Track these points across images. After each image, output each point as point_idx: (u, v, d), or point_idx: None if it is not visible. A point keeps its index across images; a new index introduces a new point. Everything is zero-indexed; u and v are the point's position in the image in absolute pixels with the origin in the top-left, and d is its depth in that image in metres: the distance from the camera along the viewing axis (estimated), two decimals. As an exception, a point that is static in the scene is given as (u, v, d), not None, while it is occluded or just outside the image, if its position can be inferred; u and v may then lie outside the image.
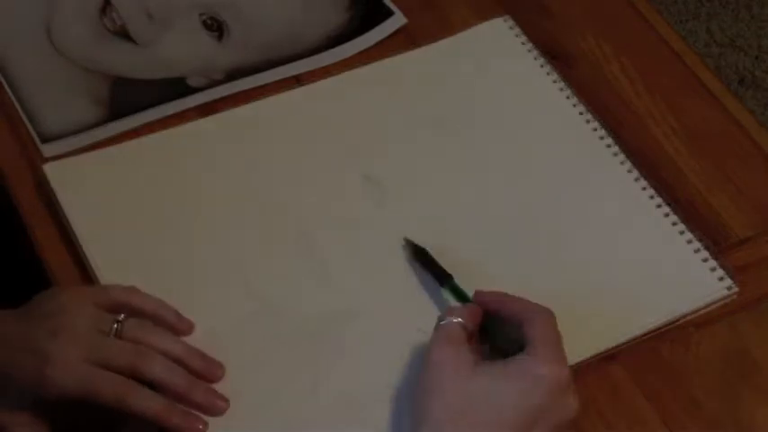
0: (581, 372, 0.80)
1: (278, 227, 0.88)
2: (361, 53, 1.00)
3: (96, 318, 0.77)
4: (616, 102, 0.97)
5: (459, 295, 0.81)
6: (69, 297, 0.78)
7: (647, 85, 0.99)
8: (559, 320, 0.76)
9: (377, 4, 1.04)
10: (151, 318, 0.80)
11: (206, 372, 0.78)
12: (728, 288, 0.85)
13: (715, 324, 0.84)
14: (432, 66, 0.99)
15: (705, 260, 0.86)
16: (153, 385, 0.75)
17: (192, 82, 0.98)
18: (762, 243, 0.89)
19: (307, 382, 0.79)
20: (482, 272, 0.84)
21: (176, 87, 0.97)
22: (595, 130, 0.94)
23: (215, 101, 0.96)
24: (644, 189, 0.90)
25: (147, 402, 0.74)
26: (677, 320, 0.84)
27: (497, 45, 1.01)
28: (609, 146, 0.93)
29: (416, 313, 0.82)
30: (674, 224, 0.88)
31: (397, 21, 1.02)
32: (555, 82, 0.97)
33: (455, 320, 0.76)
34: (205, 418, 0.76)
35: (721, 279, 0.85)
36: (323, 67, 0.99)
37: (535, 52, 0.99)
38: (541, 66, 0.99)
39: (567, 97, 0.96)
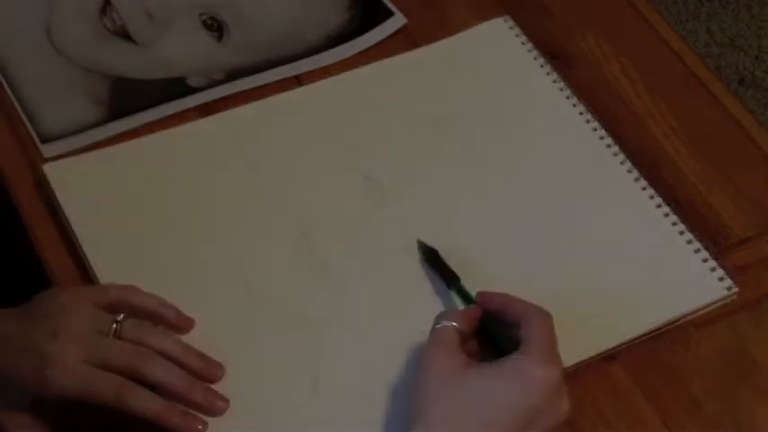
0: (581, 372, 0.80)
1: (278, 227, 0.88)
2: (361, 53, 1.00)
3: (96, 318, 0.77)
4: (616, 102, 0.97)
5: (465, 297, 0.81)
6: (69, 297, 0.78)
7: (647, 85, 0.99)
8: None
9: (377, 4, 1.04)
10: (151, 316, 0.80)
11: (205, 372, 0.78)
12: (728, 288, 0.85)
13: (715, 324, 0.84)
14: (432, 66, 0.99)
15: (705, 260, 0.86)
16: (152, 386, 0.75)
17: (192, 82, 0.98)
18: (762, 243, 0.89)
19: (307, 382, 0.79)
20: (482, 272, 0.84)
21: (176, 87, 0.97)
22: (595, 130, 0.94)
23: (215, 101, 0.96)
24: (644, 189, 0.90)
25: (146, 403, 0.74)
26: (677, 320, 0.84)
27: (497, 45, 1.01)
28: (609, 146, 0.93)
29: (416, 313, 0.81)
30: (674, 224, 0.88)
31: (397, 21, 1.02)
32: (555, 82, 0.97)
33: (449, 324, 0.76)
34: (205, 418, 0.76)
35: (721, 279, 0.85)
36: (323, 67, 0.99)
37: (535, 52, 0.99)
38: (541, 66, 0.99)
39: (567, 97, 0.96)
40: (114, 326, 0.76)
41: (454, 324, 0.76)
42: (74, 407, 0.74)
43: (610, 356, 0.82)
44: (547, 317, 0.75)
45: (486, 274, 0.84)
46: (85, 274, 0.85)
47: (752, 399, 0.81)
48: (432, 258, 0.84)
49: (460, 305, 0.81)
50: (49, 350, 0.74)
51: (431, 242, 0.85)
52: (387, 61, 0.99)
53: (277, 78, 0.98)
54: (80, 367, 0.74)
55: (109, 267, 0.84)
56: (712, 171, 0.93)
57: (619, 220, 0.89)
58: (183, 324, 0.81)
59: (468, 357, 0.75)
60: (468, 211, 0.89)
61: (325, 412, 0.78)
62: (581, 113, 0.95)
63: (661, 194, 0.90)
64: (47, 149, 0.93)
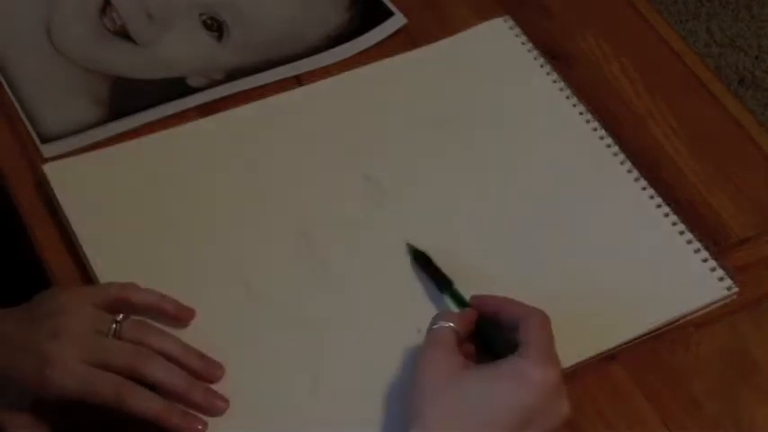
0: (581, 372, 0.80)
1: (278, 227, 0.88)
2: (361, 53, 1.00)
3: (95, 318, 0.77)
4: (616, 102, 0.97)
5: (459, 301, 0.81)
6: (69, 297, 0.78)
7: (647, 85, 0.99)
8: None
9: (377, 4, 1.04)
10: (151, 310, 0.80)
11: (205, 372, 0.78)
12: (728, 288, 0.85)
13: (715, 324, 0.84)
14: (432, 66, 0.99)
15: (705, 260, 0.86)
16: (152, 387, 0.75)
17: (192, 82, 0.98)
18: (762, 243, 0.89)
19: (307, 382, 0.79)
20: (482, 272, 0.84)
21: (176, 87, 0.97)
22: (595, 130, 0.94)
23: (215, 101, 0.96)
24: (644, 189, 0.90)
25: (146, 403, 0.74)
26: (677, 320, 0.84)
27: (497, 45, 1.01)
28: (609, 146, 0.93)
29: (416, 313, 0.81)
30: (674, 224, 0.88)
31: (397, 21, 1.02)
32: (555, 82, 0.97)
33: (446, 324, 0.76)
34: (205, 418, 0.76)
35: (721, 279, 0.85)
36: (323, 67, 0.99)
37: (535, 52, 0.99)
38: (541, 66, 0.99)
39: (567, 97, 0.96)
40: (114, 326, 0.76)
41: (451, 325, 0.76)
42: (74, 407, 0.74)
43: (610, 356, 0.82)
44: (544, 318, 0.75)
45: (485, 273, 0.84)
46: (85, 274, 0.85)
47: (752, 399, 0.81)
48: (423, 262, 0.84)
49: (454, 309, 0.81)
50: (49, 350, 0.74)
51: (430, 242, 0.85)
52: (387, 61, 0.99)
53: (277, 78, 0.98)
54: (80, 367, 0.74)
55: (109, 267, 0.84)
56: (712, 171, 0.93)
57: (619, 220, 0.89)
58: (183, 315, 0.81)
59: (465, 359, 0.75)
60: (468, 210, 0.89)
61: (325, 412, 0.78)
62: (581, 113, 0.95)
63: (661, 194, 0.90)
64: (47, 149, 0.93)
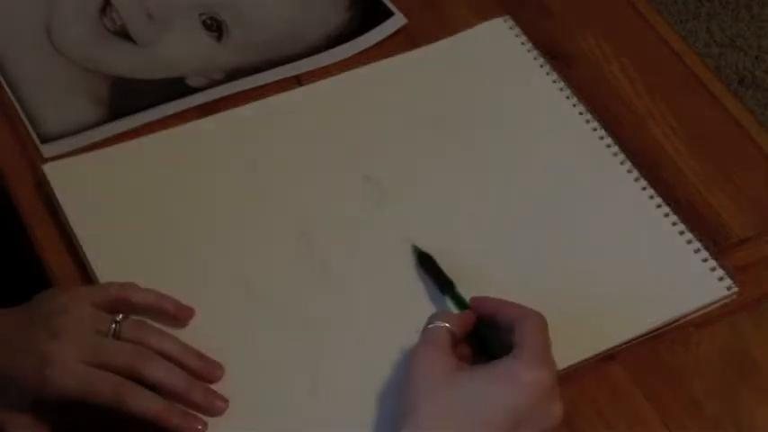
0: (580, 372, 0.80)
1: (278, 227, 0.88)
2: (361, 53, 1.00)
3: (95, 318, 0.77)
4: (616, 102, 0.97)
5: (460, 303, 0.81)
6: (69, 297, 0.78)
7: (647, 85, 0.99)
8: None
9: (377, 4, 1.04)
10: (151, 310, 0.80)
11: (204, 372, 0.78)
12: (728, 288, 0.85)
13: (715, 324, 0.84)
14: (432, 66, 0.99)
15: (705, 260, 0.86)
16: (152, 387, 0.75)
17: (192, 82, 0.98)
18: (762, 243, 0.89)
19: (306, 382, 0.79)
20: (482, 272, 0.84)
21: (176, 87, 0.97)
22: (595, 130, 0.94)
23: (215, 101, 0.96)
24: (644, 189, 0.90)
25: (146, 403, 0.74)
26: (677, 320, 0.84)
27: (497, 45, 1.01)
28: (609, 146, 0.93)
29: (416, 314, 0.81)
30: (674, 224, 0.88)
31: (397, 21, 1.02)
32: (555, 82, 0.97)
33: (442, 324, 0.76)
34: (204, 418, 0.76)
35: (721, 279, 0.85)
36: (323, 67, 0.99)
37: (535, 52, 0.99)
38: (541, 66, 0.99)
39: (567, 97, 0.96)
40: (113, 326, 0.76)
41: (446, 325, 0.76)
42: (73, 407, 0.74)
43: (610, 356, 0.82)
44: (541, 320, 0.75)
45: (485, 273, 0.84)
46: (85, 274, 0.85)
47: (752, 399, 0.81)
48: (426, 264, 0.84)
49: (455, 311, 0.81)
50: (49, 350, 0.74)
51: (430, 242, 0.85)
52: (387, 61, 0.99)
53: (277, 78, 0.98)
54: (80, 367, 0.74)
55: (109, 267, 0.84)
56: (712, 171, 0.93)
57: (619, 220, 0.89)
58: (182, 315, 0.81)
59: (458, 360, 0.74)
60: (468, 210, 0.89)
61: (324, 412, 0.78)
62: (581, 113, 0.95)
63: (661, 194, 0.90)
64: (47, 149, 0.93)
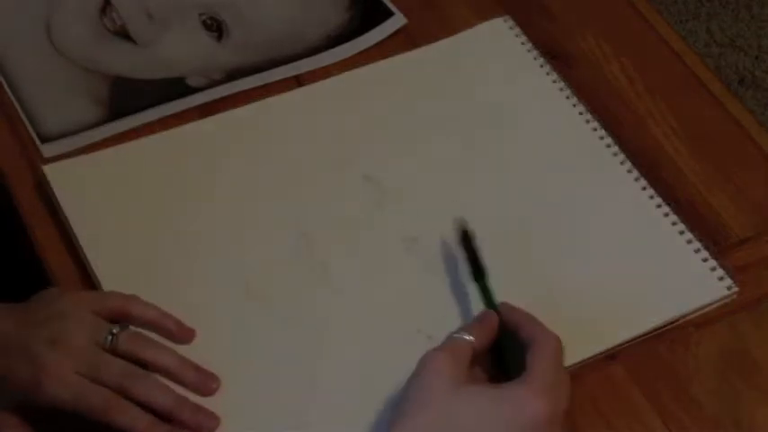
0: (581, 372, 0.80)
1: (278, 227, 0.88)
2: (361, 53, 1.00)
3: (94, 327, 0.77)
4: (616, 102, 0.97)
5: (487, 297, 0.80)
6: (69, 303, 0.78)
7: (647, 85, 0.99)
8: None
9: (377, 4, 1.04)
10: (151, 326, 0.80)
11: (200, 385, 0.78)
12: (728, 288, 0.85)
13: (715, 324, 0.84)
14: (432, 66, 0.99)
15: (705, 260, 0.86)
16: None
17: (192, 82, 0.98)
18: (762, 243, 0.89)
19: (306, 382, 0.79)
20: (482, 272, 0.84)
21: (176, 87, 0.97)
22: (595, 130, 0.94)
23: (215, 101, 0.96)
24: (644, 189, 0.90)
25: (132, 421, 0.74)
26: (677, 320, 0.84)
27: (497, 45, 1.01)
28: (609, 146, 0.93)
29: (416, 314, 0.82)
30: (674, 224, 0.88)
31: (397, 21, 1.02)
32: (555, 82, 0.97)
33: (466, 337, 0.76)
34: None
35: (721, 279, 0.85)
36: (323, 67, 0.99)
37: (535, 52, 0.99)
38: (541, 66, 0.99)
39: (567, 97, 0.96)
40: (110, 337, 0.76)
41: (471, 339, 0.75)
42: (61, 415, 0.74)
43: (610, 356, 0.82)
44: (555, 344, 0.74)
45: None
46: (85, 274, 0.85)
47: (752, 399, 0.81)
48: (467, 243, 0.82)
49: (475, 304, 0.80)
50: (45, 358, 0.74)
51: (431, 242, 0.85)
52: (387, 61, 0.99)
53: (277, 78, 0.98)
54: (74, 379, 0.74)
55: (109, 267, 0.84)
56: (712, 171, 0.93)
57: (619, 220, 0.89)
58: (183, 335, 0.80)
59: (471, 376, 0.74)
60: (468, 211, 0.89)
61: (324, 412, 0.78)
62: (581, 113, 0.95)
63: (661, 194, 0.90)
64: (47, 149, 0.93)
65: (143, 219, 0.88)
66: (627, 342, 0.82)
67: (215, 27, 1.01)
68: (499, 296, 0.80)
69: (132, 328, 0.79)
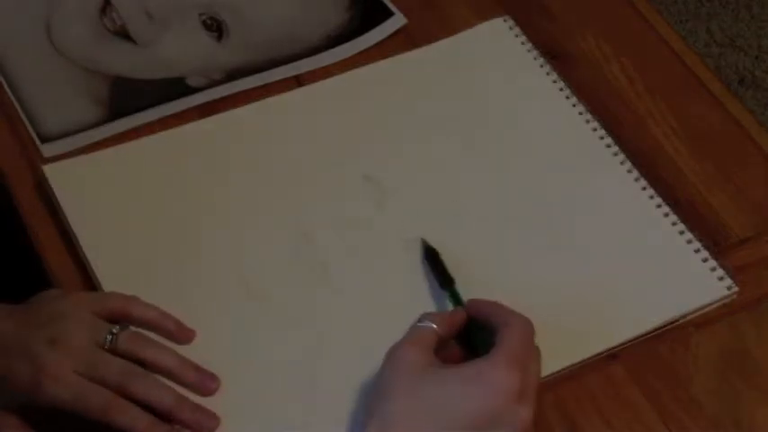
0: (581, 371, 0.80)
1: (278, 227, 0.88)
2: (361, 53, 1.00)
3: (93, 327, 0.77)
4: (616, 102, 0.97)
5: (456, 301, 0.81)
6: (69, 303, 0.78)
7: (647, 85, 0.99)
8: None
9: (377, 4, 1.04)
10: (151, 327, 0.80)
11: (200, 385, 0.78)
12: (728, 288, 0.85)
13: (715, 324, 0.84)
14: (432, 66, 0.99)
15: (705, 260, 0.86)
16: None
17: (192, 82, 0.98)
18: (762, 243, 0.89)
19: (306, 381, 0.79)
20: (482, 271, 0.84)
21: (176, 87, 0.97)
22: (595, 130, 0.94)
23: (215, 101, 0.96)
24: (644, 189, 0.90)
25: (132, 421, 0.74)
26: (677, 320, 0.84)
27: (497, 45, 1.01)
28: (609, 146, 0.93)
29: (416, 313, 0.81)
30: (674, 224, 0.88)
31: (397, 21, 1.02)
32: (555, 82, 0.97)
33: (429, 325, 0.76)
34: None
35: (721, 279, 0.85)
36: (323, 67, 0.99)
37: (535, 52, 0.99)
38: (541, 66, 0.99)
39: (567, 97, 0.96)
40: (110, 337, 0.76)
41: (434, 326, 0.76)
42: (61, 415, 0.74)
43: (610, 356, 0.82)
44: (524, 324, 0.75)
45: (485, 273, 0.84)
46: (85, 274, 0.85)
47: (752, 399, 0.81)
48: (431, 258, 0.84)
49: (450, 308, 0.81)
50: (45, 358, 0.74)
51: (431, 242, 0.85)
52: (387, 61, 0.99)
53: (277, 78, 0.98)
54: (74, 379, 0.74)
55: (109, 267, 0.84)
56: (712, 171, 0.93)
57: (619, 220, 0.89)
58: (183, 335, 0.80)
59: (437, 359, 0.74)
60: (468, 211, 0.89)
61: (324, 412, 0.78)
62: (581, 113, 0.95)
63: (661, 194, 0.90)
64: (47, 149, 0.93)
65: (143, 219, 0.88)
66: (627, 342, 0.82)
67: (215, 27, 1.01)
68: (499, 296, 0.79)
69: (132, 328, 0.79)
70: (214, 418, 0.77)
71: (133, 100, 0.96)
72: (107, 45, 1.00)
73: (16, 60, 0.99)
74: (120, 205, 0.89)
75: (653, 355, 0.82)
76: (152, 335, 0.80)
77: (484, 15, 1.02)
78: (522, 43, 1.00)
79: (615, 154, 0.92)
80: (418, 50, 1.00)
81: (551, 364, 0.78)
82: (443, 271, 0.83)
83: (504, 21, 1.02)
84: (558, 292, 0.83)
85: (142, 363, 0.77)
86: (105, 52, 0.99)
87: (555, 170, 0.92)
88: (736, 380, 0.81)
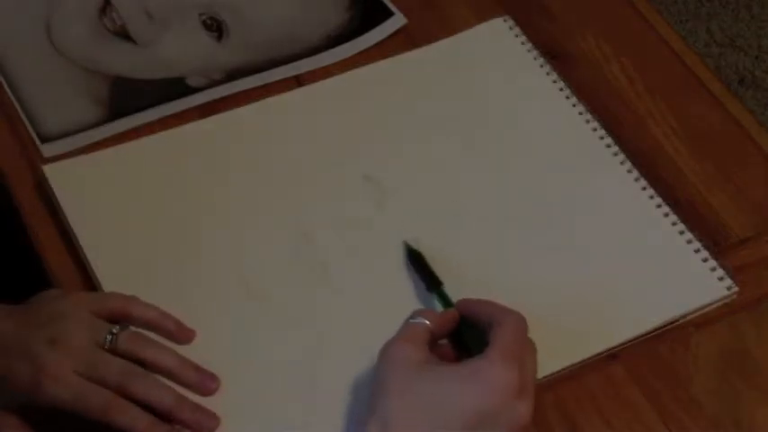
0: (581, 371, 0.80)
1: (278, 227, 0.88)
2: (361, 53, 1.00)
3: (93, 327, 0.77)
4: (616, 102, 0.97)
5: (445, 302, 0.81)
6: (69, 303, 0.78)
7: (647, 85, 0.99)
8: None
9: (377, 4, 1.04)
10: (151, 327, 0.80)
11: (200, 385, 0.78)
12: (728, 288, 0.85)
13: (715, 324, 0.84)
14: (432, 66, 0.99)
15: (705, 260, 0.86)
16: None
17: (192, 82, 0.98)
18: (762, 243, 0.89)
19: (306, 381, 0.79)
20: (481, 271, 0.84)
21: (176, 87, 0.97)
22: (595, 130, 0.94)
23: (215, 101, 0.96)
24: (644, 189, 0.90)
25: (132, 421, 0.74)
26: (677, 320, 0.84)
27: (497, 45, 1.01)
28: (609, 146, 0.93)
29: (416, 313, 0.82)
30: (674, 224, 0.88)
31: (397, 21, 1.02)
32: (555, 82, 0.97)
33: (422, 321, 0.76)
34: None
35: (721, 279, 0.85)
36: (323, 67, 0.99)
37: (535, 52, 0.99)
38: (541, 66, 0.99)
39: (567, 97, 0.96)
40: (109, 337, 0.76)
41: (426, 323, 0.76)
42: (61, 415, 0.74)
43: (610, 356, 0.82)
44: (517, 321, 0.74)
45: (485, 273, 0.84)
46: (85, 274, 0.85)
47: (752, 399, 0.81)
48: (415, 261, 0.84)
49: (441, 310, 0.81)
50: (45, 358, 0.74)
51: (430, 242, 0.85)
52: (387, 61, 0.99)
53: (277, 78, 0.98)
54: (74, 379, 0.74)
55: (109, 267, 0.84)
56: (712, 171, 0.93)
57: (619, 220, 0.89)
58: (183, 335, 0.80)
59: (432, 356, 0.74)
60: (468, 211, 0.89)
61: (324, 412, 0.78)
62: (581, 113, 0.95)
63: (661, 194, 0.90)
64: (47, 149, 0.93)
65: (143, 219, 0.88)
66: (627, 342, 0.82)
67: (215, 27, 1.01)
68: (499, 296, 0.79)
69: (132, 328, 0.79)
70: (214, 418, 0.77)
71: (133, 100, 0.96)
72: (107, 45, 1.00)
73: (16, 60, 0.99)
74: (120, 205, 0.89)
75: (653, 355, 0.82)
76: (152, 335, 0.80)
77: (484, 15, 1.02)
78: (522, 43, 1.00)
79: (615, 154, 0.92)
80: (418, 50, 1.00)
81: (551, 364, 0.79)
82: (430, 273, 0.83)
83: (504, 21, 1.02)
84: (557, 292, 0.83)
85: (142, 363, 0.77)
86: (105, 52, 0.99)
87: (555, 170, 0.92)
88: (736, 380, 0.81)
